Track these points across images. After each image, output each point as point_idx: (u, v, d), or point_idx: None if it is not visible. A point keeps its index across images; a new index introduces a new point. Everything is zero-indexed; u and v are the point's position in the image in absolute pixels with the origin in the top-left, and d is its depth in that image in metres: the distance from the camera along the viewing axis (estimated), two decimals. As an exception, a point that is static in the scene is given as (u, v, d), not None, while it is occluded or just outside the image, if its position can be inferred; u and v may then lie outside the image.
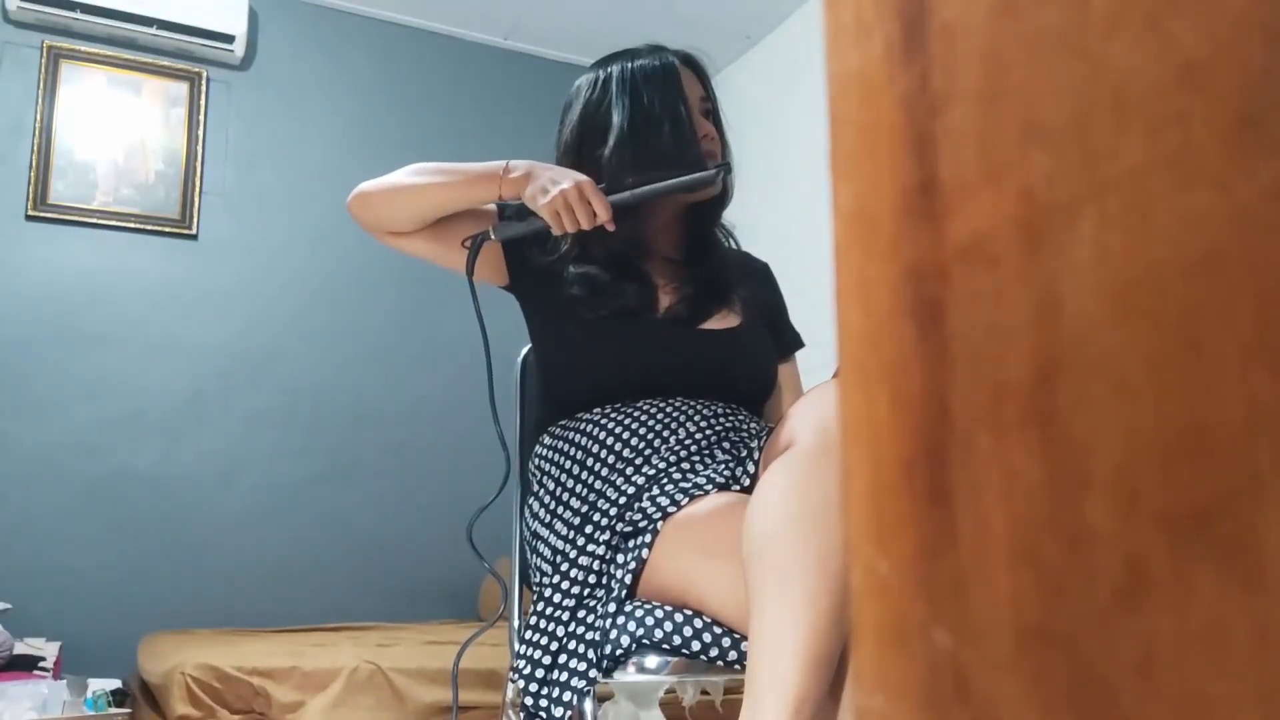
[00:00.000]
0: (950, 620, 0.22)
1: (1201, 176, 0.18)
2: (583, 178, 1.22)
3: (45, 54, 3.06)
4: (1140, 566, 0.18)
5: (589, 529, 1.17)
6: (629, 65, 1.38)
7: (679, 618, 1.03)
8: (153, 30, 3.13)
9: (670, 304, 1.35)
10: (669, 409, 1.25)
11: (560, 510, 1.24)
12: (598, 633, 1.06)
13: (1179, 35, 0.18)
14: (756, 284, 1.48)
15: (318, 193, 3.37)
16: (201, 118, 3.23)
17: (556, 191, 1.20)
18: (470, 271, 1.34)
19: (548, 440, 1.34)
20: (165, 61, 3.23)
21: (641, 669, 1.04)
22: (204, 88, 3.25)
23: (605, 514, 1.16)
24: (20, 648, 2.43)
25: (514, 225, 1.30)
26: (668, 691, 1.36)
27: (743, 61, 3.73)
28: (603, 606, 1.09)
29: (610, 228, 1.24)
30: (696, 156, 1.29)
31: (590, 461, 1.24)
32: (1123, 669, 0.18)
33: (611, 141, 1.33)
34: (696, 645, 1.02)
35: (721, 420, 1.25)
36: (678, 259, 1.41)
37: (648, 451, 1.21)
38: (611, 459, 1.22)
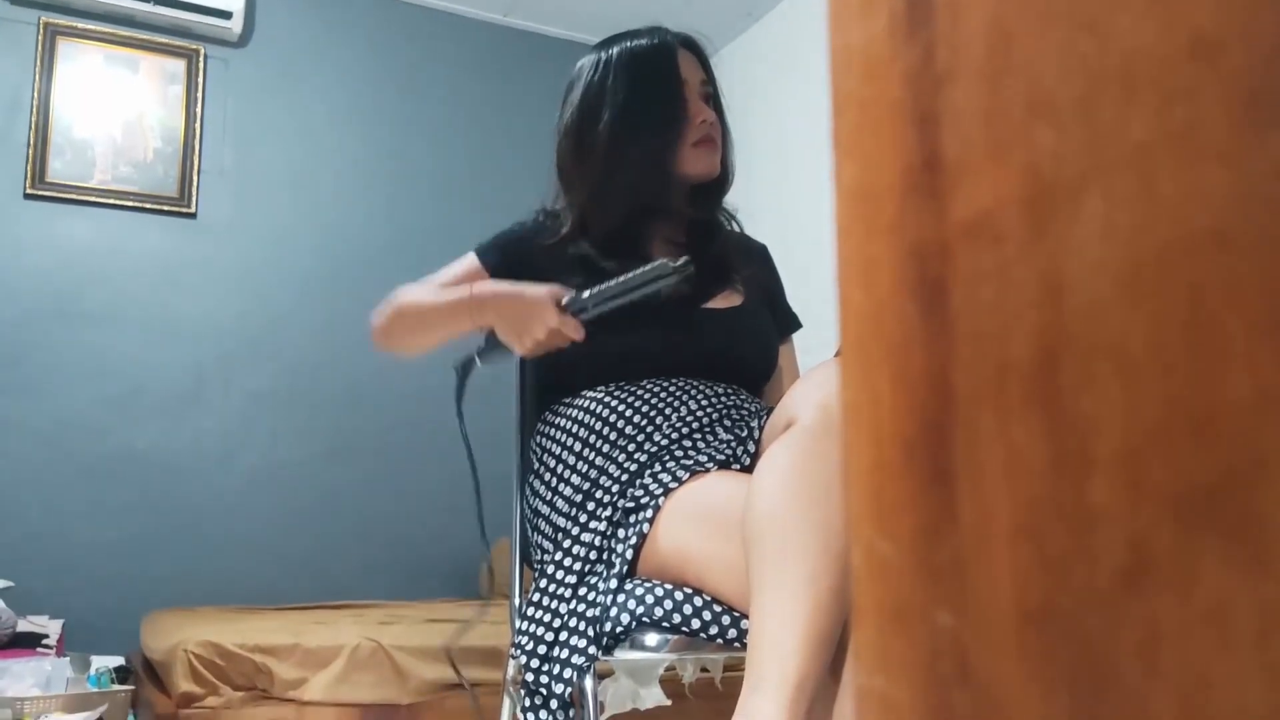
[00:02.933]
0: (951, 601, 0.21)
1: (1210, 153, 0.17)
2: (548, 313, 1.17)
3: (42, 31, 3.04)
4: (1143, 547, 0.18)
5: (591, 505, 1.18)
6: (628, 46, 1.38)
7: (679, 596, 1.04)
8: (149, 6, 3.11)
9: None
10: (671, 387, 1.25)
11: (562, 488, 1.25)
12: (598, 609, 1.06)
13: (1188, 9, 0.18)
14: (756, 265, 1.48)
15: (317, 170, 3.35)
16: (200, 95, 3.22)
17: (529, 343, 1.19)
18: (459, 398, 1.35)
19: (549, 418, 1.34)
20: (163, 38, 3.21)
21: (641, 647, 1.04)
22: (202, 65, 3.23)
23: (607, 490, 1.17)
24: (23, 625, 2.45)
25: (497, 352, 1.30)
26: (668, 669, 1.37)
27: (745, 38, 3.70)
28: (604, 583, 1.09)
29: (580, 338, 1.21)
30: (663, 265, 1.17)
31: (592, 439, 1.24)
32: (1125, 650, 0.18)
33: (608, 122, 1.33)
34: (696, 623, 1.02)
35: (723, 399, 1.25)
36: (680, 240, 1.41)
37: (649, 429, 1.21)
38: (614, 436, 1.22)
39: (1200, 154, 0.18)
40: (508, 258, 1.39)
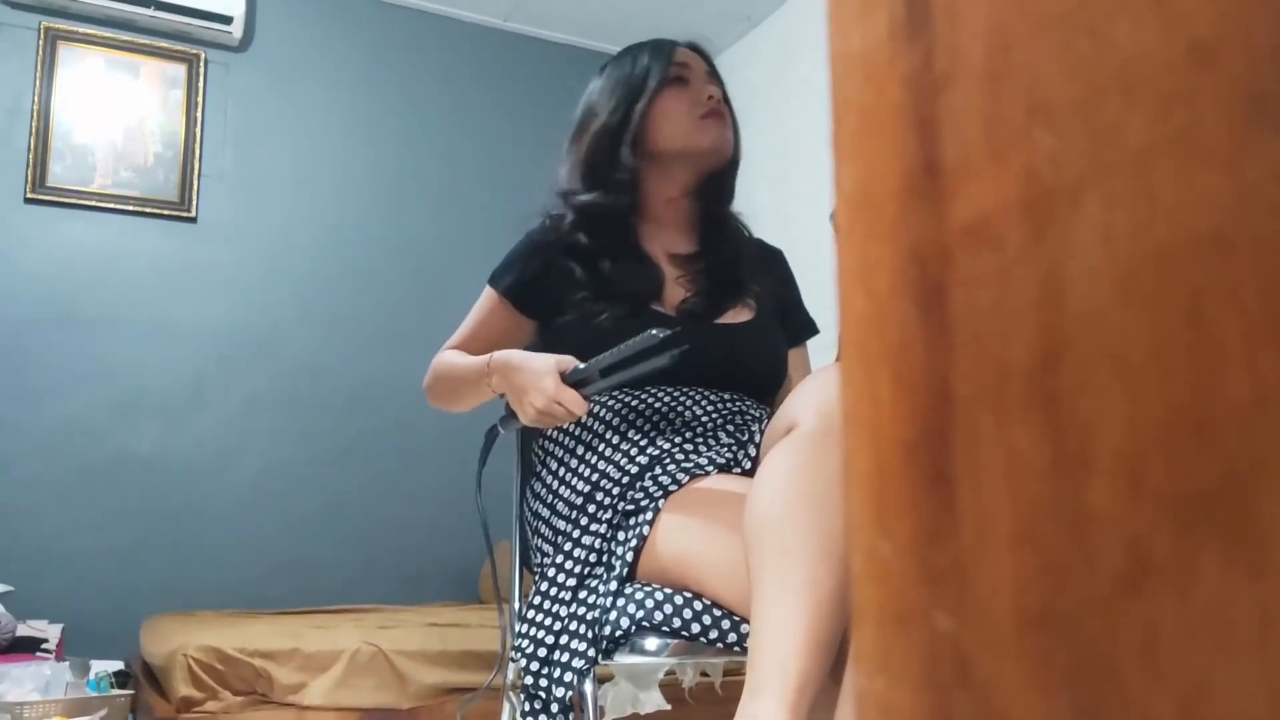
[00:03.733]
0: (952, 604, 0.21)
1: (1209, 156, 0.18)
2: (549, 386, 1.14)
3: (42, 35, 3.04)
4: (1143, 550, 0.18)
5: (591, 508, 1.18)
6: (626, 52, 1.41)
7: (679, 600, 1.04)
8: (150, 11, 3.11)
9: (686, 297, 1.35)
10: (675, 393, 1.26)
11: (562, 490, 1.25)
12: (598, 611, 1.07)
13: (1187, 12, 0.18)
14: (771, 273, 1.47)
15: (317, 174, 3.35)
16: (200, 100, 3.22)
17: (531, 411, 1.16)
18: (481, 463, 1.36)
19: None
20: (163, 43, 3.21)
21: (641, 651, 1.04)
22: (202, 69, 3.23)
23: (608, 493, 1.17)
24: (23, 630, 2.44)
25: (515, 420, 1.28)
26: (667, 673, 1.37)
27: (744, 43, 3.70)
28: (604, 585, 1.09)
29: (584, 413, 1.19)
30: (650, 335, 1.12)
31: (595, 442, 1.24)
32: (1125, 653, 0.18)
33: (590, 113, 1.39)
34: (696, 627, 1.02)
35: (727, 405, 1.26)
36: (688, 250, 1.41)
37: (653, 434, 1.22)
38: (616, 440, 1.23)
39: (1199, 157, 0.18)
40: (524, 273, 1.38)
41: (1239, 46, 0.17)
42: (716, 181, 1.40)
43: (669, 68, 1.37)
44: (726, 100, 1.41)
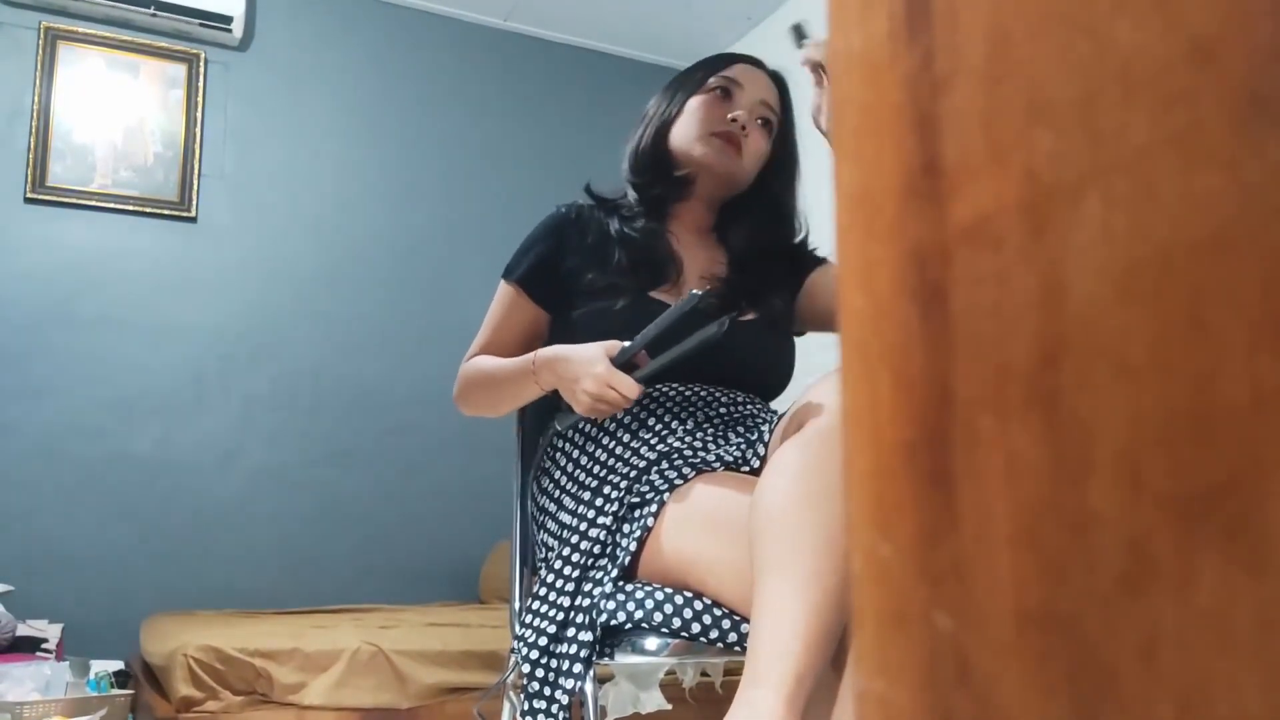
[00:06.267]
0: (951, 604, 0.21)
1: (1209, 156, 0.18)
2: (600, 371, 1.15)
3: (42, 35, 3.04)
4: (1143, 550, 0.18)
5: (600, 501, 1.19)
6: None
7: (679, 600, 1.04)
8: (150, 11, 3.11)
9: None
10: (688, 393, 1.26)
11: (569, 485, 1.26)
12: (600, 599, 1.07)
13: (1187, 12, 0.18)
14: (788, 281, 1.48)
15: (317, 174, 3.35)
16: (200, 99, 3.22)
17: (585, 399, 1.16)
18: (537, 461, 1.40)
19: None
20: (163, 43, 3.21)
21: (642, 651, 1.04)
22: (202, 69, 3.23)
23: (616, 486, 1.18)
24: (23, 630, 2.44)
25: (572, 415, 1.28)
26: (668, 673, 1.37)
27: (744, 43, 3.70)
28: (606, 575, 1.10)
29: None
30: (691, 295, 1.16)
31: (605, 439, 1.25)
32: (1125, 653, 0.18)
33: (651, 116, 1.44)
34: (697, 627, 1.02)
35: (740, 407, 1.27)
36: (714, 268, 1.42)
37: (663, 431, 1.23)
38: (627, 437, 1.24)
39: (1199, 157, 0.18)
40: (536, 257, 1.38)
41: (1239, 46, 0.17)
42: (732, 205, 1.44)
43: (717, 77, 1.40)
44: (782, 141, 1.47)
